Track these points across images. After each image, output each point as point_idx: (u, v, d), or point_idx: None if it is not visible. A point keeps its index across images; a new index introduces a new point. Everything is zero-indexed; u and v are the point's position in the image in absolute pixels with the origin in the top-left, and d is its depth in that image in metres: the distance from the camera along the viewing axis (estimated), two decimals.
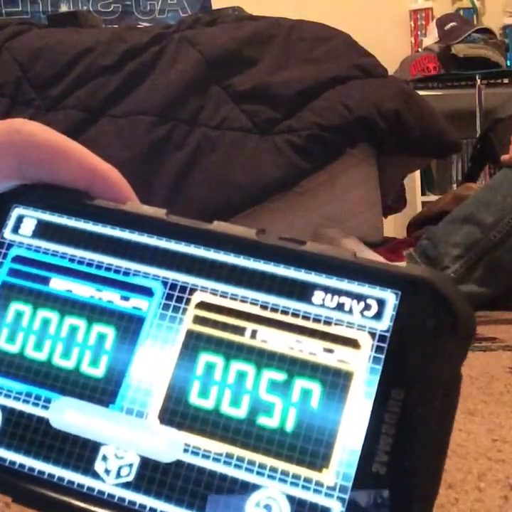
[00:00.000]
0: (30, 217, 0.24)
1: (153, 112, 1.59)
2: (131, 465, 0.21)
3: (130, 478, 0.20)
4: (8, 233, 0.24)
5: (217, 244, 0.22)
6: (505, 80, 3.14)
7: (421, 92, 2.38)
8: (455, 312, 0.19)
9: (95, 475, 0.21)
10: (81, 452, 0.21)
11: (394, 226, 2.89)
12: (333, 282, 0.21)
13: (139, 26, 2.14)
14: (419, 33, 3.42)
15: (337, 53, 1.69)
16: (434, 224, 1.96)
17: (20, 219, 0.24)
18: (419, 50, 3.31)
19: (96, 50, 1.64)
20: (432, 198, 2.86)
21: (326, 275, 0.21)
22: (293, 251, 0.22)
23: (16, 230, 0.24)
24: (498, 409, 0.67)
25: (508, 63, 3.24)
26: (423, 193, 3.10)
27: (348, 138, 1.60)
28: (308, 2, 3.18)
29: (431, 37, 3.25)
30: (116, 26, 2.31)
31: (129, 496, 0.20)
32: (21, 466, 0.21)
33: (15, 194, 0.24)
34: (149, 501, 0.20)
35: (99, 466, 0.21)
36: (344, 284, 0.21)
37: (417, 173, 2.99)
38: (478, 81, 3.06)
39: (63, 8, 2.94)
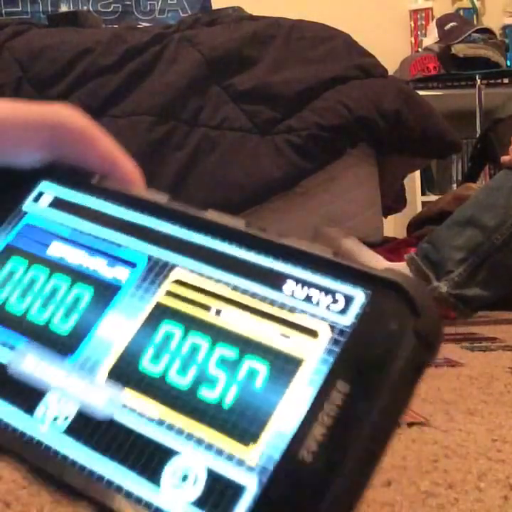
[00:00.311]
0: (50, 191, 0.27)
1: (153, 112, 1.59)
2: (67, 416, 0.21)
3: (62, 429, 0.21)
4: (27, 204, 0.27)
5: (206, 229, 0.24)
6: (505, 80, 3.14)
7: (421, 92, 2.38)
8: (420, 319, 0.19)
9: (33, 420, 0.22)
10: (27, 396, 0.22)
11: (394, 226, 2.89)
12: (306, 275, 0.22)
13: (139, 26, 2.14)
14: (419, 33, 3.42)
15: (337, 53, 1.69)
16: (434, 224, 1.96)
17: (41, 192, 0.27)
18: (419, 50, 3.31)
19: (96, 50, 1.64)
20: (432, 198, 2.86)
21: (301, 268, 0.22)
22: (273, 242, 0.23)
23: (34, 201, 0.27)
24: (498, 409, 0.67)
25: (508, 63, 3.24)
26: (423, 193, 3.10)
27: (348, 138, 1.60)
28: (308, 2, 3.18)
29: (431, 37, 3.25)
30: (116, 26, 2.31)
31: (57, 444, 0.21)
32: None
33: (43, 170, 0.27)
34: (75, 454, 0.21)
35: (39, 412, 0.22)
36: (316, 278, 0.21)
37: (417, 173, 2.99)
38: (478, 81, 3.06)
39: (63, 8, 2.94)
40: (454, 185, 3.16)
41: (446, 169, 3.29)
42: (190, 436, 0.20)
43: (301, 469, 0.18)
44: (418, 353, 0.19)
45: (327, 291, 0.21)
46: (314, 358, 0.20)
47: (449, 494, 0.43)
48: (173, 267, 0.23)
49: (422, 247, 1.62)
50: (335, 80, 1.64)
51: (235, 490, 0.19)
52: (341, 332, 0.20)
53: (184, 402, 0.21)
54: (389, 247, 1.91)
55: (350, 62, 1.68)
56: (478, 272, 1.56)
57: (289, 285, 0.22)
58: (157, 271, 0.23)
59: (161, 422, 0.21)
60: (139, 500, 0.19)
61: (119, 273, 0.24)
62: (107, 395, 0.21)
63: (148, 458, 0.20)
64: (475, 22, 3.33)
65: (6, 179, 0.27)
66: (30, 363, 0.23)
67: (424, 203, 2.91)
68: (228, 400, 0.20)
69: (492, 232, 1.56)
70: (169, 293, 0.23)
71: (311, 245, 0.22)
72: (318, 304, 0.21)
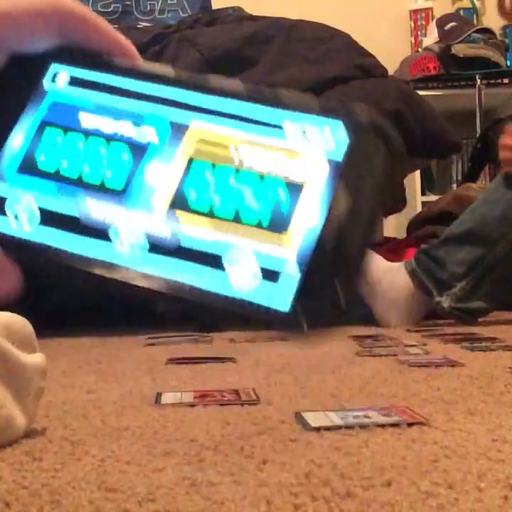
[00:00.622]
0: (64, 71, 0.31)
1: None
2: (142, 245, 0.27)
3: (142, 254, 0.27)
4: (46, 84, 0.31)
5: (212, 91, 0.29)
6: (505, 80, 3.15)
7: (421, 92, 2.39)
8: (391, 144, 0.27)
9: (115, 250, 0.27)
10: (102, 233, 0.28)
11: (394, 226, 2.89)
12: (299, 117, 0.27)
13: (139, 26, 2.14)
14: (419, 33, 3.42)
15: (337, 53, 1.69)
16: (434, 224, 1.96)
17: (57, 73, 0.31)
18: (419, 50, 3.31)
19: None
20: (432, 198, 2.86)
21: (294, 111, 0.28)
22: (270, 92, 0.28)
23: (52, 81, 0.31)
24: (498, 409, 0.67)
25: (508, 63, 3.24)
26: (423, 193, 3.10)
27: None
28: (308, 2, 3.18)
29: (431, 37, 3.25)
30: (116, 26, 2.31)
31: (139, 265, 0.27)
32: (57, 247, 0.28)
33: (53, 53, 0.31)
34: (156, 271, 0.27)
35: (118, 244, 0.27)
36: (308, 119, 0.27)
37: (417, 173, 2.99)
38: (478, 81, 3.06)
39: None
40: (454, 185, 3.16)
41: (446, 169, 3.29)
42: (240, 246, 0.26)
43: (329, 253, 0.25)
44: (389, 164, 0.26)
45: (318, 129, 0.27)
46: (318, 176, 0.26)
47: (449, 494, 0.43)
48: (191, 121, 0.28)
49: (423, 261, 1.61)
50: (335, 80, 1.64)
51: (282, 263, 0.26)
52: (337, 155, 0.26)
53: (232, 226, 0.26)
54: (389, 247, 1.91)
55: (350, 62, 1.68)
56: (480, 286, 1.55)
57: (288, 126, 0.27)
58: (181, 128, 0.28)
59: (213, 234, 0.27)
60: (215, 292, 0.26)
61: (149, 136, 0.29)
62: (169, 226, 0.27)
63: (213, 259, 0.26)
64: (475, 22, 3.33)
65: (18, 64, 0.30)
66: (95, 208, 0.28)
67: (424, 203, 2.91)
68: (265, 220, 0.26)
69: (493, 246, 1.55)
70: (196, 143, 0.28)
71: (301, 94, 0.28)
72: (312, 137, 0.27)
